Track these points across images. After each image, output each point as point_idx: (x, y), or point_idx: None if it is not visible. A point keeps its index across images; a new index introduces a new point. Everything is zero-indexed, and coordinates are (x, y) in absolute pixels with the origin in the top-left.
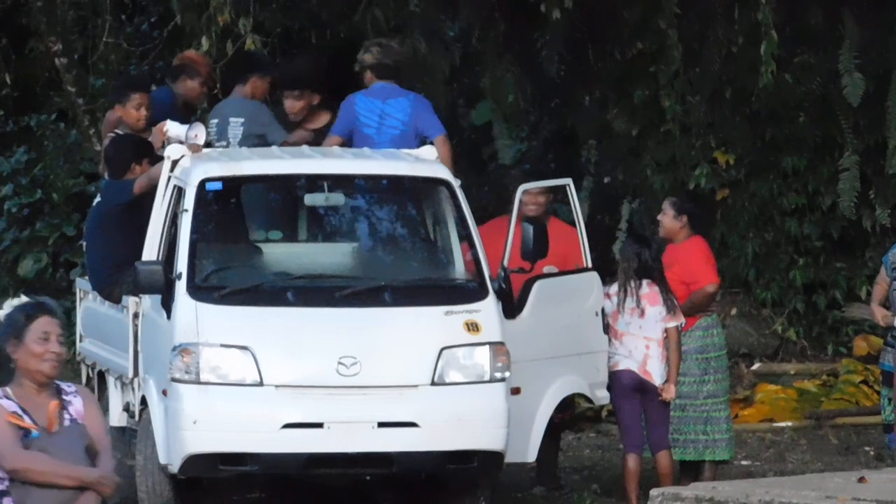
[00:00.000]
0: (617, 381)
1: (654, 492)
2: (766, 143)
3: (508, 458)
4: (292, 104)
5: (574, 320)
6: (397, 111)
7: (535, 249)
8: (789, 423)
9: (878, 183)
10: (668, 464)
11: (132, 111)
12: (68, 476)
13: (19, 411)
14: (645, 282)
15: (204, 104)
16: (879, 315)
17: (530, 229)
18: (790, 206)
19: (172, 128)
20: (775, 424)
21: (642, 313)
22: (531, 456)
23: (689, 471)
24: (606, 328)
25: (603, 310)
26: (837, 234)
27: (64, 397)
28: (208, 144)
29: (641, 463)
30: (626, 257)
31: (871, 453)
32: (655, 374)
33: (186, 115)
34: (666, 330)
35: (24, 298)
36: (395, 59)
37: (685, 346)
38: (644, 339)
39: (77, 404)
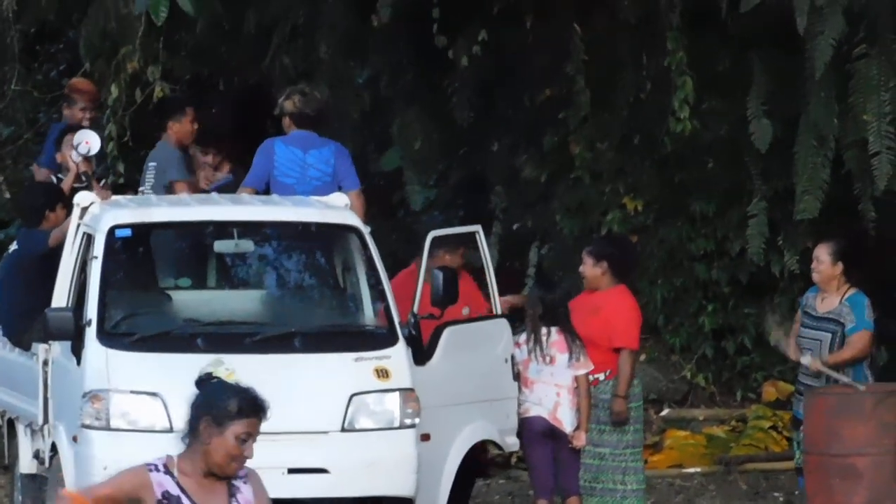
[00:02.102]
0: (527, 427)
1: None
2: (674, 188)
3: None
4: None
5: (484, 367)
6: (320, 162)
7: (445, 296)
8: (698, 469)
9: (787, 228)
10: None
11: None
12: None
13: (171, 492)
14: (554, 329)
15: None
16: (792, 350)
17: (440, 276)
18: (699, 251)
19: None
20: (684, 470)
21: (552, 360)
22: (441, 502)
23: None
24: (517, 375)
25: (513, 357)
26: (746, 279)
27: (233, 482)
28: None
29: None
30: (531, 303)
31: (781, 499)
32: (566, 421)
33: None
34: (575, 377)
35: (227, 370)
36: (316, 109)
37: (606, 394)
38: (555, 385)
39: (247, 493)
